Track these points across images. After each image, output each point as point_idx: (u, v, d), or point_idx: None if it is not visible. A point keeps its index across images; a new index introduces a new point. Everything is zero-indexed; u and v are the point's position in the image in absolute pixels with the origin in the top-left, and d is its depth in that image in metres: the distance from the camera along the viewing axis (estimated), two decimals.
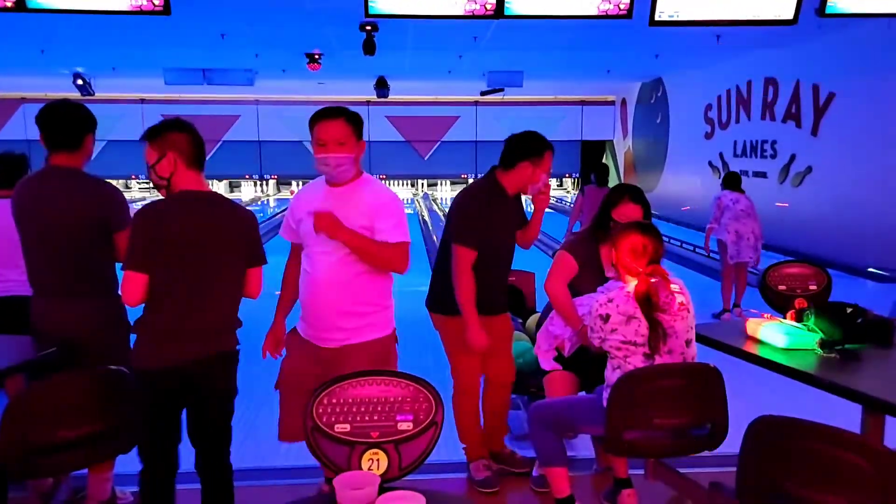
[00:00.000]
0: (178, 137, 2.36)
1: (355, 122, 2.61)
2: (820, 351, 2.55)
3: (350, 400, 1.57)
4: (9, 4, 4.24)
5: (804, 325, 2.70)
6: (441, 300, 3.05)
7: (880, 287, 7.16)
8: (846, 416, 2.38)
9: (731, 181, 6.58)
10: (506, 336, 3.23)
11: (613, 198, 3.03)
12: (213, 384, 2.38)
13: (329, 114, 2.60)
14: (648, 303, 2.40)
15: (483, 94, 14.58)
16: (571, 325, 2.86)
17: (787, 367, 2.44)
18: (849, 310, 2.65)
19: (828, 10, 4.48)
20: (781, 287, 3.05)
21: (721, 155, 12.32)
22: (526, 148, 3.00)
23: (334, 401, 1.56)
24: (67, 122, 2.62)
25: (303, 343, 2.66)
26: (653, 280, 2.42)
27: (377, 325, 2.57)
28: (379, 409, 1.56)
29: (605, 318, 2.43)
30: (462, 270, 2.91)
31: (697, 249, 10.23)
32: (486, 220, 2.95)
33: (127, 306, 2.40)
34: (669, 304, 2.43)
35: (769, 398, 3.78)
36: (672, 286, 2.47)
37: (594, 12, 4.46)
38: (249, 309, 2.59)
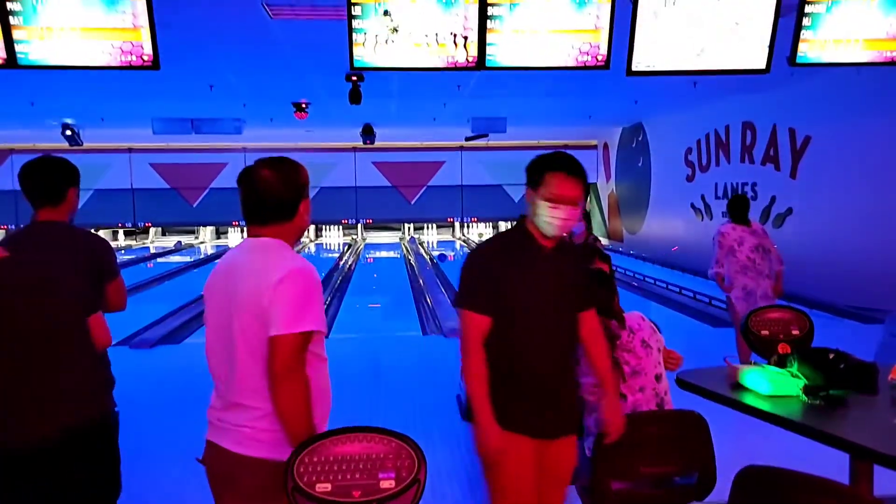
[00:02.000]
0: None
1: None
2: (804, 398, 2.56)
3: (332, 458, 1.55)
4: None
5: (788, 370, 2.72)
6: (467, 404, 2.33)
7: (862, 327, 7.22)
8: (834, 461, 2.38)
9: (736, 209, 5.54)
10: (563, 476, 2.39)
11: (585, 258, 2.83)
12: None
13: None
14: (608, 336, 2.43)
15: (468, 139, 14.79)
16: None
17: (772, 414, 2.44)
18: (831, 355, 2.66)
19: (798, 60, 4.63)
20: (764, 332, 3.06)
21: (703, 197, 12.51)
22: (527, 172, 2.37)
23: (315, 459, 1.55)
24: (47, 178, 2.64)
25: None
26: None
27: None
28: (361, 466, 1.55)
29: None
30: (465, 342, 2.25)
31: (683, 291, 10.30)
32: (500, 274, 2.24)
33: None
34: (632, 343, 2.45)
35: (758, 444, 3.77)
36: (632, 324, 2.50)
37: (572, 63, 4.57)
38: None
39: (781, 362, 2.83)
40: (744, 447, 3.69)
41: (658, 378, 2.49)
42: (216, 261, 2.09)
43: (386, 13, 4.38)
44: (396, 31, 4.42)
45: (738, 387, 2.73)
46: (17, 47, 4.27)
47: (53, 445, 1.93)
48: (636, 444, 2.36)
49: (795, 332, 3.07)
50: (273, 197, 1.95)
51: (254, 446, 1.82)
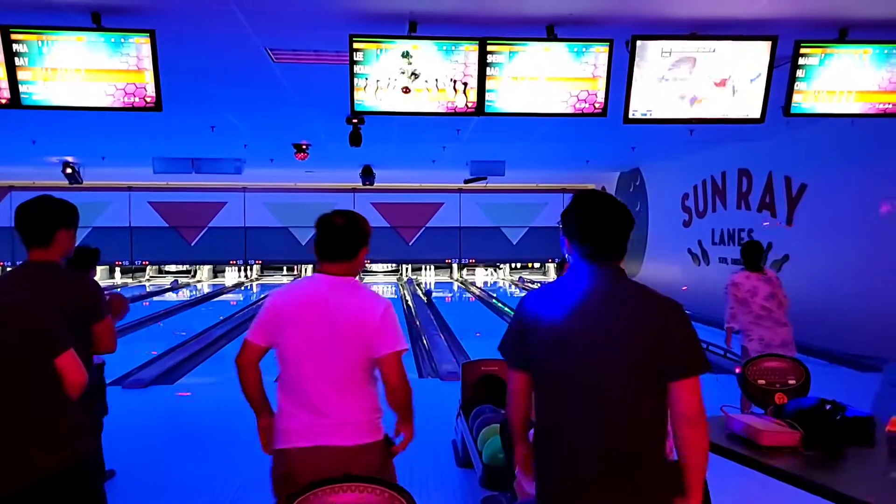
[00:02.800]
0: None
1: None
2: (801, 449, 2.53)
3: None
4: (3, 101, 4.35)
5: (785, 421, 2.70)
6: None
7: (859, 374, 7.18)
8: None
9: (750, 256, 5.37)
10: None
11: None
12: None
13: None
14: None
15: (466, 182, 14.91)
16: None
17: (769, 466, 2.41)
18: (828, 406, 2.65)
19: (792, 110, 4.72)
20: (761, 381, 3.05)
21: (700, 242, 12.57)
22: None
23: None
24: (37, 219, 2.64)
25: None
26: None
27: None
28: None
29: None
30: (508, 397, 2.11)
31: None
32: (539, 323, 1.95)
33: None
34: None
35: (755, 494, 3.71)
36: None
37: (570, 111, 4.65)
38: None
39: (779, 412, 2.81)
40: (742, 498, 3.64)
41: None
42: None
43: (405, 55, 4.45)
44: (416, 75, 4.50)
45: (736, 437, 2.71)
46: (22, 88, 4.34)
47: (26, 492, 1.93)
48: None
49: (792, 382, 3.06)
50: (343, 240, 2.40)
51: (364, 436, 2.30)
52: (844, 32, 4.54)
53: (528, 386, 2.02)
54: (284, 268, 21.84)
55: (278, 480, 2.39)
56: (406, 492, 1.55)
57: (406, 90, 4.55)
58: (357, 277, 2.52)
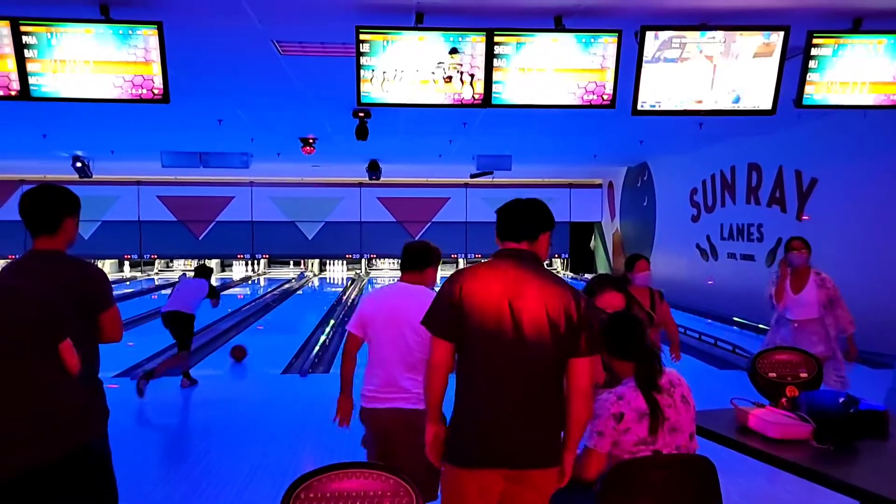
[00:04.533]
0: None
1: None
2: (813, 442, 2.50)
3: (328, 494, 1.51)
4: (13, 93, 4.35)
5: (796, 414, 2.66)
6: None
7: (870, 371, 7.11)
8: None
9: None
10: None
11: (595, 287, 3.15)
12: None
13: None
14: (647, 382, 2.36)
15: (473, 176, 14.88)
16: None
17: (780, 458, 2.38)
18: (841, 399, 2.62)
19: (804, 102, 4.66)
20: (772, 374, 3.02)
21: (708, 237, 12.49)
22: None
23: (311, 495, 1.51)
24: (44, 207, 2.63)
25: None
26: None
27: None
28: (358, 503, 1.51)
29: (619, 418, 2.35)
30: (429, 370, 2.35)
31: (688, 332, 10.21)
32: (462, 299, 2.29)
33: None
34: (672, 393, 2.40)
35: (765, 488, 3.68)
36: (671, 378, 2.45)
37: (578, 102, 4.61)
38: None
39: (790, 405, 2.78)
40: (751, 492, 3.61)
41: (691, 437, 2.43)
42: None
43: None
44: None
45: (746, 430, 2.68)
46: (31, 80, 4.34)
47: (29, 476, 1.91)
48: (643, 488, 2.29)
49: (804, 375, 3.02)
50: (417, 258, 3.23)
51: (419, 402, 2.83)
52: (858, 22, 4.48)
53: (451, 357, 2.31)
54: (291, 262, 21.90)
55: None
56: (409, 479, 1.54)
57: (412, 82, 4.52)
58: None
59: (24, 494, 1.90)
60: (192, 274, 7.36)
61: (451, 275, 2.37)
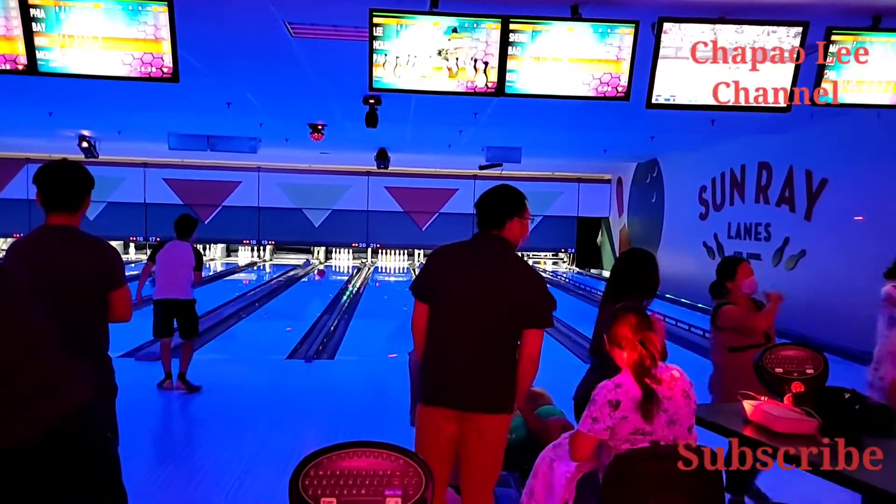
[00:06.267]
0: None
1: None
2: (819, 438, 2.48)
3: (338, 472, 1.50)
4: (20, 67, 4.33)
5: (802, 409, 2.65)
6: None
7: None
8: (844, 501, 2.30)
9: None
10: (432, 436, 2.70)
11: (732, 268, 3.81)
12: None
13: None
14: (640, 369, 2.36)
15: (482, 168, 14.83)
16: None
17: (785, 453, 2.37)
18: (847, 395, 2.60)
19: (820, 100, 4.61)
20: (778, 370, 2.99)
21: (716, 236, 12.45)
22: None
23: (321, 472, 1.49)
24: (67, 184, 2.62)
25: None
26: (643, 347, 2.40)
27: None
28: (367, 482, 1.49)
29: (615, 405, 2.36)
30: (413, 327, 2.83)
31: (693, 329, 10.19)
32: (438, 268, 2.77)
33: None
34: (673, 387, 2.39)
35: (770, 482, 3.67)
36: (673, 372, 2.44)
37: (593, 94, 4.57)
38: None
39: (795, 400, 2.76)
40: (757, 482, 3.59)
41: (690, 430, 2.43)
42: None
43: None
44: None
45: (751, 423, 2.66)
46: (39, 54, 4.30)
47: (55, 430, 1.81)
48: (647, 479, 2.28)
49: (810, 371, 3.00)
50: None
51: None
52: (878, 20, 4.43)
53: (426, 316, 2.74)
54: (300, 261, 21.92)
55: None
56: (422, 459, 1.52)
57: (425, 68, 4.48)
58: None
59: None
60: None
61: (433, 250, 2.86)
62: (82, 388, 1.98)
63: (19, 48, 4.27)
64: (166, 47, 4.34)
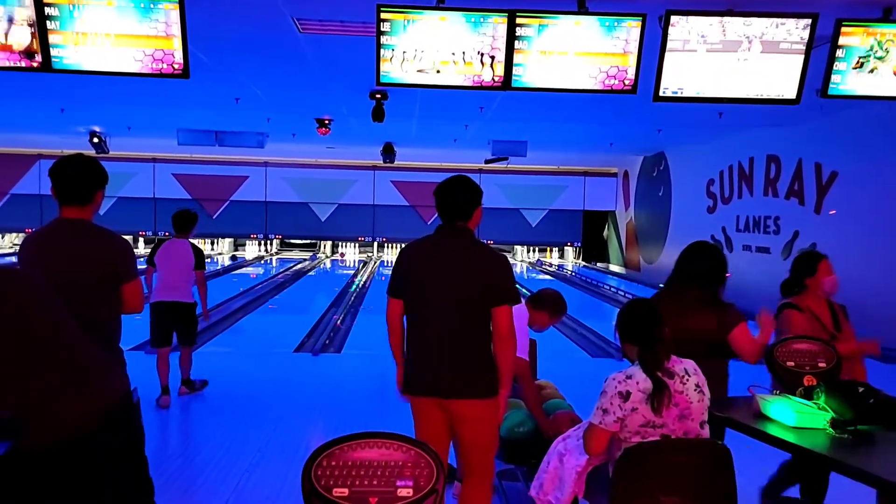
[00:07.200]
0: None
1: None
2: (831, 431, 2.49)
3: (350, 463, 1.52)
4: (35, 65, 4.36)
5: (814, 403, 2.65)
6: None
7: (887, 367, 7.05)
8: (860, 497, 2.30)
9: None
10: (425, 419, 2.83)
11: (813, 263, 3.49)
12: None
13: None
14: (651, 362, 2.37)
15: (487, 162, 14.83)
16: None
17: (798, 446, 2.37)
18: (860, 389, 2.60)
19: (830, 92, 4.59)
20: (790, 363, 2.99)
21: (724, 229, 12.40)
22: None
23: (333, 463, 1.51)
24: (80, 178, 2.65)
25: None
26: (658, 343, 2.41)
27: None
28: (379, 473, 1.51)
29: (626, 396, 2.37)
30: (388, 324, 2.94)
31: None
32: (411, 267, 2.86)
33: None
34: (686, 381, 2.39)
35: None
36: (686, 366, 2.45)
37: (599, 87, 4.56)
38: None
39: (808, 394, 2.77)
40: (766, 477, 3.60)
41: (702, 425, 2.43)
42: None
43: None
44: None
45: (763, 417, 2.67)
46: (53, 51, 4.34)
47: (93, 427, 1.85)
48: (657, 472, 2.30)
49: (822, 365, 3.00)
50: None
51: None
52: (888, 11, 4.40)
53: (402, 311, 2.87)
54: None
55: None
56: (432, 450, 1.54)
57: (432, 62, 4.49)
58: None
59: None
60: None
61: (402, 247, 2.95)
62: (121, 379, 2.01)
63: (34, 46, 4.31)
64: (177, 44, 4.36)
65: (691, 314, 3.00)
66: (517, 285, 2.85)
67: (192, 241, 5.62)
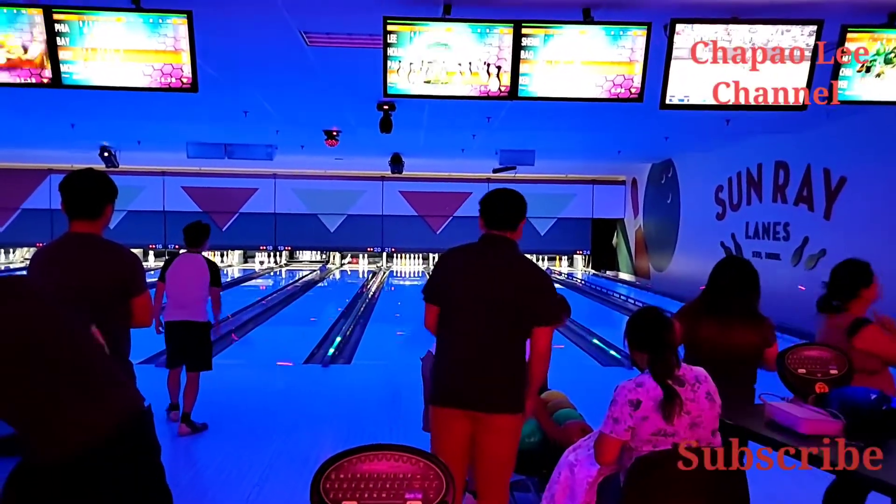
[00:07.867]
0: None
1: None
2: (844, 439, 2.46)
3: (358, 475, 1.52)
4: (45, 80, 4.42)
5: (826, 410, 2.63)
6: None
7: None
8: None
9: None
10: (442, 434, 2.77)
11: (868, 274, 3.34)
12: None
13: None
14: (661, 371, 2.36)
15: (495, 171, 14.84)
16: None
17: (811, 455, 2.35)
18: (873, 396, 2.57)
19: (839, 98, 4.57)
20: (801, 370, 2.97)
21: (733, 236, 12.35)
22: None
23: (342, 476, 1.51)
24: (90, 192, 2.68)
25: None
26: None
27: None
28: (388, 485, 1.51)
29: (636, 405, 2.36)
30: (427, 325, 2.92)
31: None
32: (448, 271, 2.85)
33: None
34: (696, 389, 2.38)
35: (793, 484, 3.64)
36: (697, 374, 2.44)
37: (605, 95, 4.57)
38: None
39: (819, 402, 2.74)
40: (779, 487, 3.57)
41: (714, 433, 2.42)
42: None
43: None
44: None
45: (775, 425, 2.65)
46: (63, 67, 4.39)
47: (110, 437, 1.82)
48: (669, 481, 2.28)
49: (834, 372, 2.97)
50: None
51: None
52: (894, 17, 4.39)
53: (436, 317, 2.82)
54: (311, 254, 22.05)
55: None
56: (442, 462, 1.54)
57: (439, 73, 4.51)
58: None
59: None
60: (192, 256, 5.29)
61: (443, 253, 2.94)
62: (135, 392, 2.02)
63: (45, 62, 4.37)
64: (186, 58, 4.41)
65: (735, 329, 3.08)
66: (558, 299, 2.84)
67: (205, 255, 5.35)
